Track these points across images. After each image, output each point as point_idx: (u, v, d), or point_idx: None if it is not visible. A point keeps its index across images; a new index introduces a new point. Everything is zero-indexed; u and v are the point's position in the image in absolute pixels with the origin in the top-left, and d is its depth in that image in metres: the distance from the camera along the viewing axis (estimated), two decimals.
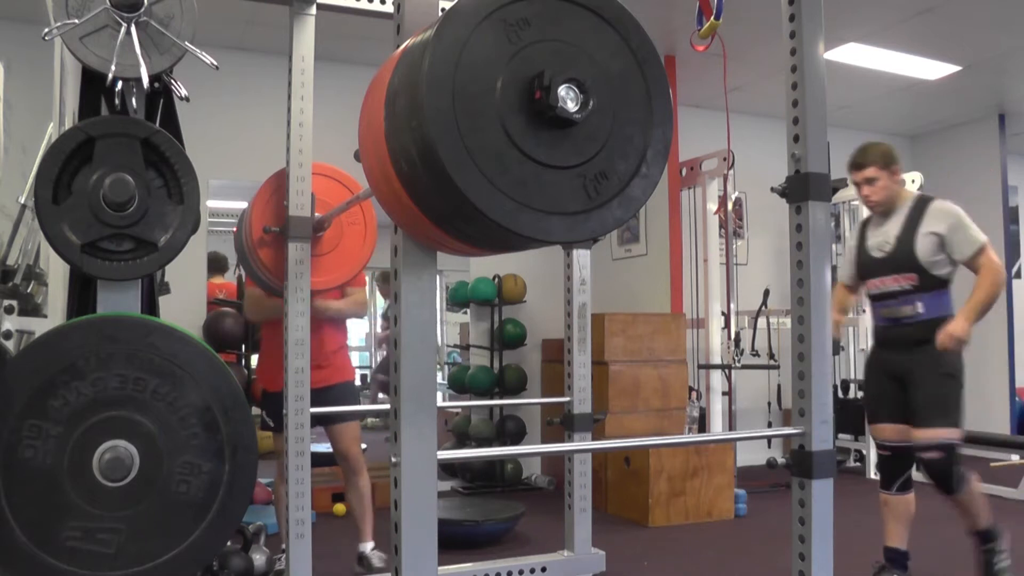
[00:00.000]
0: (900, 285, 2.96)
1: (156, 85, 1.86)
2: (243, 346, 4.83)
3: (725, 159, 5.16)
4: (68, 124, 2.08)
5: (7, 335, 2.11)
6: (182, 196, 1.79)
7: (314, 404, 2.86)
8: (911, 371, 2.94)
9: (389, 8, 2.62)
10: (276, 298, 2.99)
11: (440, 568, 1.33)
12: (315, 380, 3.19)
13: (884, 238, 3.07)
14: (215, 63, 1.89)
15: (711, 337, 5.48)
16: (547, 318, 5.68)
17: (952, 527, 3.57)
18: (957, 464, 2.85)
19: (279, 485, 3.23)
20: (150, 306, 1.92)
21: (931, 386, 2.88)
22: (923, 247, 2.93)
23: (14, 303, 2.16)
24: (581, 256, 2.95)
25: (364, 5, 2.67)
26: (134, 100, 1.84)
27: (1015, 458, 5.33)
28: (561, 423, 2.96)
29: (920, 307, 2.90)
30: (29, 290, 2.43)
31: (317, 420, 3.28)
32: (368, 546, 3.35)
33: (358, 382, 3.69)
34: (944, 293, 2.93)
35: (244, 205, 3.01)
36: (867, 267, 3.13)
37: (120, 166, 1.72)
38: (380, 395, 7.05)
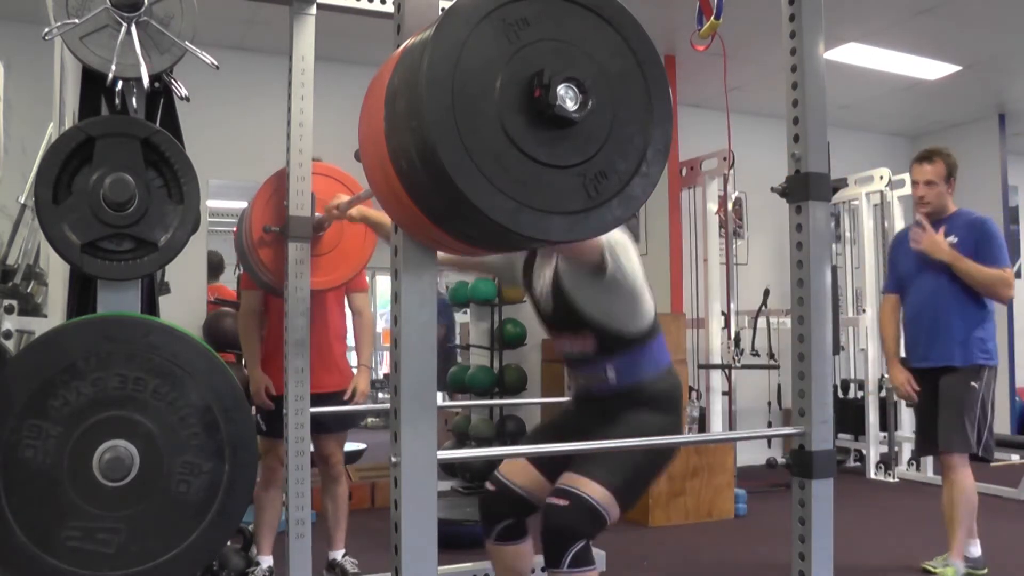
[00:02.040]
0: (582, 350, 2.12)
1: (156, 85, 1.86)
2: None
3: (725, 159, 5.17)
4: (68, 124, 2.08)
5: (7, 335, 2.12)
6: (182, 196, 1.79)
7: (325, 407, 2.92)
8: (597, 429, 2.08)
9: (389, 8, 2.62)
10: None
11: (440, 568, 1.33)
12: (330, 384, 3.19)
13: (543, 282, 2.15)
14: (215, 63, 1.89)
15: (711, 337, 5.48)
16: None
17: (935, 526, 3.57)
18: (582, 535, 1.92)
19: (261, 491, 3.19)
20: (150, 306, 1.92)
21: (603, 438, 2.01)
22: (586, 306, 2.03)
23: (14, 303, 2.16)
24: None
25: (364, 5, 2.67)
26: (134, 100, 1.84)
27: (1015, 458, 5.33)
28: None
29: (611, 374, 2.08)
30: (29, 290, 2.43)
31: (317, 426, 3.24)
32: (339, 553, 3.34)
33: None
34: (641, 351, 2.09)
35: (244, 205, 3.01)
36: (545, 323, 2.24)
37: (120, 166, 1.72)
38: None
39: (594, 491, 1.93)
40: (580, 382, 2.22)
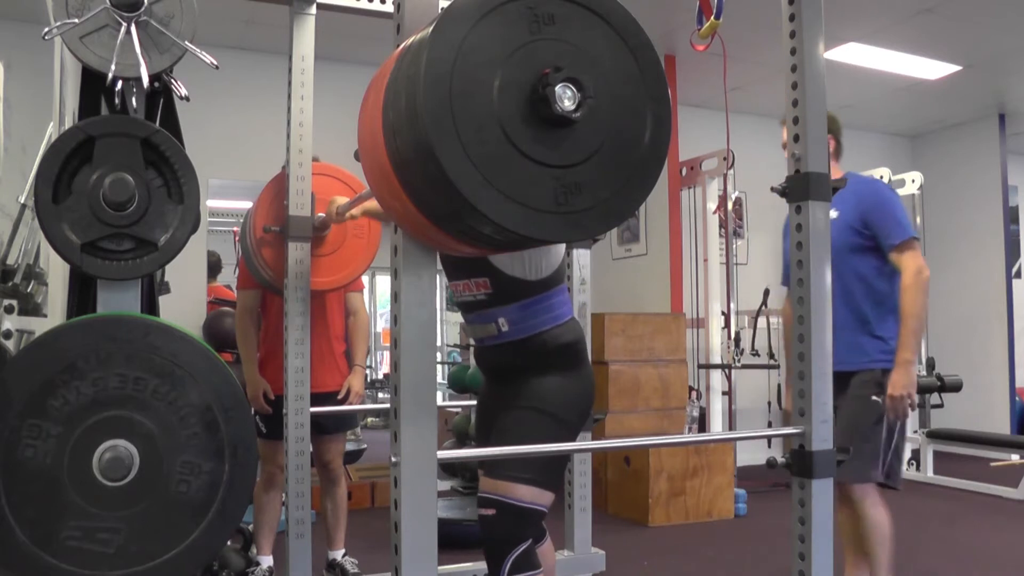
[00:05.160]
0: (473, 294, 2.04)
1: (156, 85, 1.86)
2: None
3: (725, 159, 5.17)
4: (68, 124, 2.08)
5: (7, 335, 2.12)
6: (182, 195, 1.79)
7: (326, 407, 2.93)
8: (496, 404, 2.06)
9: (389, 8, 2.62)
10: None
11: (440, 568, 1.33)
12: (331, 384, 3.18)
13: None
14: (215, 63, 1.89)
15: (711, 337, 5.48)
16: None
17: (950, 527, 3.57)
18: (518, 540, 1.86)
19: (261, 493, 3.19)
20: (150, 306, 1.92)
21: (510, 422, 1.96)
22: None
23: (14, 303, 2.16)
24: (581, 256, 2.95)
25: (364, 5, 2.67)
26: (134, 100, 1.84)
27: (1015, 458, 5.33)
28: None
29: (502, 324, 1.99)
30: (29, 290, 2.43)
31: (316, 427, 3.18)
32: (339, 553, 3.34)
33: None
34: (538, 301, 2.00)
35: (244, 205, 3.01)
36: (444, 264, 2.10)
37: (120, 166, 1.72)
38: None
39: (516, 492, 1.86)
40: (473, 335, 2.12)
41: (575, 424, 2.03)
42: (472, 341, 2.19)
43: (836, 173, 2.78)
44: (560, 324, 2.02)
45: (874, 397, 2.59)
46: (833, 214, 2.61)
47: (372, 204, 2.54)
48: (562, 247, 2.08)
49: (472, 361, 5.68)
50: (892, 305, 2.64)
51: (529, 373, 1.98)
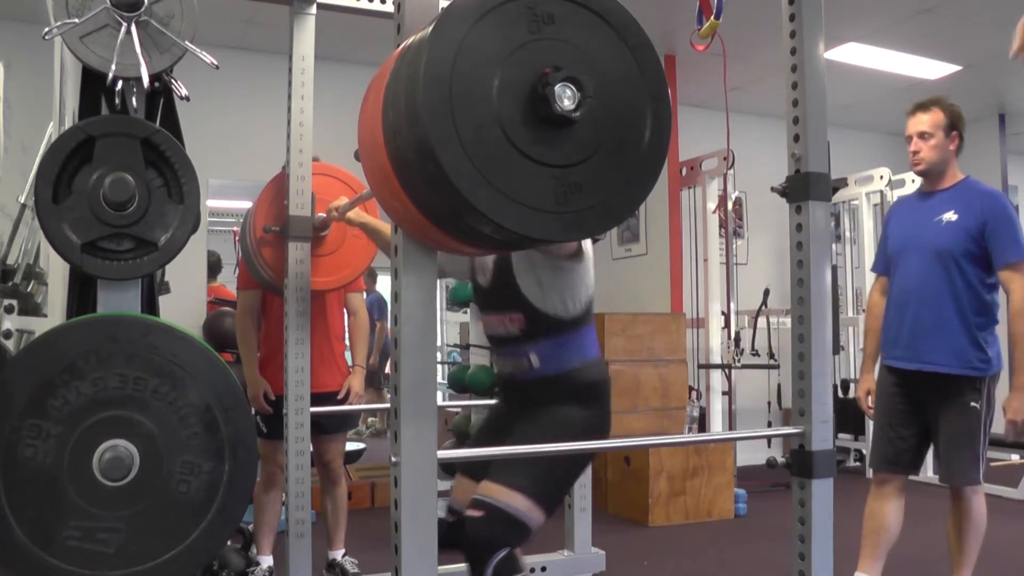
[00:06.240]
0: (507, 328, 2.04)
1: (156, 84, 1.86)
2: None
3: (725, 159, 5.16)
4: (68, 124, 2.08)
5: (7, 335, 2.12)
6: (182, 195, 1.79)
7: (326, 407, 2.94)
8: (512, 421, 2.05)
9: (389, 8, 2.62)
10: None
11: (440, 568, 1.33)
12: (331, 383, 3.18)
13: (483, 259, 2.12)
14: (215, 62, 1.89)
15: (711, 337, 5.48)
16: None
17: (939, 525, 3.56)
18: (500, 545, 1.81)
19: (261, 493, 3.19)
20: (150, 306, 1.92)
21: (527, 437, 1.95)
22: (524, 280, 1.97)
23: (14, 303, 2.16)
24: None
25: (364, 5, 2.67)
26: (134, 99, 1.84)
27: (1015, 458, 5.33)
28: None
29: (534, 360, 2.00)
30: (29, 290, 2.43)
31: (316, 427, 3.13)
32: (339, 553, 3.34)
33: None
34: (569, 338, 2.01)
35: (244, 205, 3.01)
36: (478, 297, 2.21)
37: (120, 166, 1.72)
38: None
39: (510, 499, 1.83)
40: (503, 369, 2.12)
41: (587, 459, 2.09)
42: (495, 369, 2.25)
43: (956, 175, 2.77)
44: (589, 361, 2.04)
45: (974, 404, 2.65)
46: (952, 217, 2.66)
47: (371, 219, 2.57)
48: (591, 285, 2.07)
49: (472, 361, 5.68)
50: (994, 316, 2.67)
51: (553, 403, 2.00)
